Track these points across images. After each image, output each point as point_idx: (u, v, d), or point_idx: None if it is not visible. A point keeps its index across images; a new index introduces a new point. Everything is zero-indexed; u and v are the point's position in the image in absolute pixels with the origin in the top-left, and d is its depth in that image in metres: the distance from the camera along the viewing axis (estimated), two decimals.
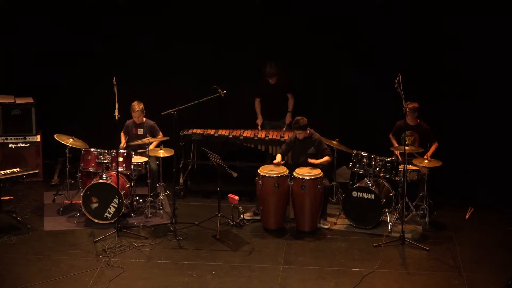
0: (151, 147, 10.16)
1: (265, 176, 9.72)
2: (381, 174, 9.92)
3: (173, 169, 9.88)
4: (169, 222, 9.84)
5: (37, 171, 10.38)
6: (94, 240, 9.35)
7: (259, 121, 11.23)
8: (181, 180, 10.91)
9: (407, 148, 9.60)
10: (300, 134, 9.85)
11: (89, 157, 10.01)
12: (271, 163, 10.28)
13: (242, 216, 9.95)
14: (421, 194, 9.89)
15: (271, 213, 9.77)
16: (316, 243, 9.46)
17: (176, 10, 11.43)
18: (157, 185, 10.34)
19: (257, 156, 10.98)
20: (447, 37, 11.03)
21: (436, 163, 9.71)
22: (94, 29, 11.49)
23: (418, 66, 11.01)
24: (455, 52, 11.05)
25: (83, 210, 9.78)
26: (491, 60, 11.00)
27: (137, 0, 11.41)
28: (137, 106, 10.40)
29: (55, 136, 10.25)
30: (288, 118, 11.15)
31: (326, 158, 9.85)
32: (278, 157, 9.93)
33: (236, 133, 10.88)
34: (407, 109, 9.85)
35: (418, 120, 10.20)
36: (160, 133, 10.55)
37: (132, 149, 10.30)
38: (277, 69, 10.95)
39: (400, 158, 9.97)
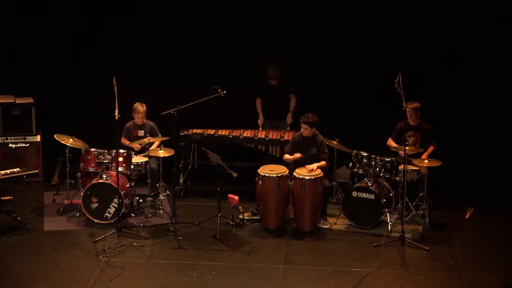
0: (151, 147, 10.16)
1: (265, 176, 9.72)
2: (381, 174, 9.92)
3: (173, 169, 9.88)
4: (169, 222, 9.84)
5: (37, 171, 10.36)
6: (94, 240, 9.35)
7: (260, 121, 11.22)
8: (181, 180, 10.91)
9: (407, 148, 9.59)
10: (305, 130, 9.84)
11: (89, 157, 10.01)
12: (271, 163, 10.29)
13: (242, 216, 9.96)
14: (421, 194, 9.89)
15: (271, 213, 9.77)
16: (316, 243, 9.46)
17: (176, 10, 11.42)
18: (157, 185, 10.33)
19: (257, 156, 10.97)
20: (447, 37, 11.03)
21: (436, 163, 9.71)
22: (94, 29, 11.49)
23: (418, 66, 10.99)
24: (455, 52, 11.04)
25: (83, 210, 9.78)
26: (491, 60, 11.00)
27: (138, 0, 11.43)
28: (141, 107, 10.40)
29: (55, 136, 10.25)
30: (289, 119, 11.12)
31: (323, 162, 9.82)
32: (288, 156, 9.92)
33: (236, 133, 10.88)
34: (409, 109, 9.85)
35: (420, 120, 10.20)
36: (160, 135, 10.56)
37: (132, 148, 10.31)
38: (279, 71, 10.93)
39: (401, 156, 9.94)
